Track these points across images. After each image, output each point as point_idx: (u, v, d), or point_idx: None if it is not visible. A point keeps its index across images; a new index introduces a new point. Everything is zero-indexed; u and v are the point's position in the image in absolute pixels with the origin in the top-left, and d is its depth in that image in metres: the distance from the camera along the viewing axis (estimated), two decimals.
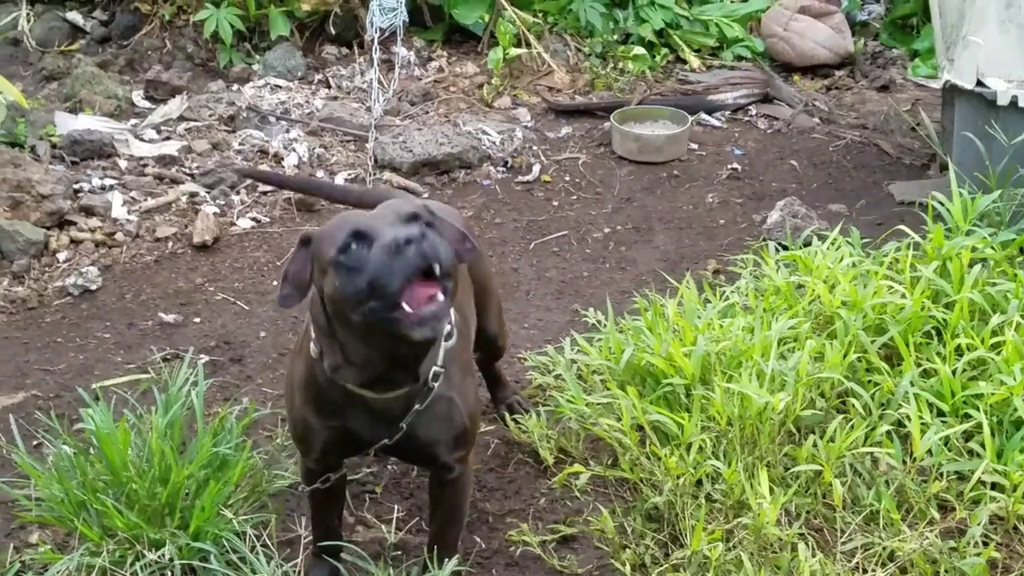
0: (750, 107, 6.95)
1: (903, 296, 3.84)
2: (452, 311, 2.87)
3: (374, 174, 5.95)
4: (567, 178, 6.09)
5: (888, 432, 3.42)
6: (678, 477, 3.33)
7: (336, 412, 2.82)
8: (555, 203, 5.84)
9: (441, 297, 2.46)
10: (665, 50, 7.44)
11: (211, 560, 3.04)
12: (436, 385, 2.76)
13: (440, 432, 2.87)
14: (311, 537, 3.25)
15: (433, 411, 2.81)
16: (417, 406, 2.76)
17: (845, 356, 3.63)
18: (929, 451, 3.32)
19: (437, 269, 2.44)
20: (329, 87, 7.08)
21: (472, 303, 3.35)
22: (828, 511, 3.33)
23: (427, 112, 6.74)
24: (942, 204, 4.33)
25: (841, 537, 3.23)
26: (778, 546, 3.16)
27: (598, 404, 3.67)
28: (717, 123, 6.78)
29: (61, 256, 5.14)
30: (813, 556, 3.11)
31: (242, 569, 3.01)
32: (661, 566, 3.19)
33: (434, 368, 2.75)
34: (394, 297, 2.43)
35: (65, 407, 4.02)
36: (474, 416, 2.96)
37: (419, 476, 3.68)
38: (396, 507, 3.54)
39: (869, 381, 3.65)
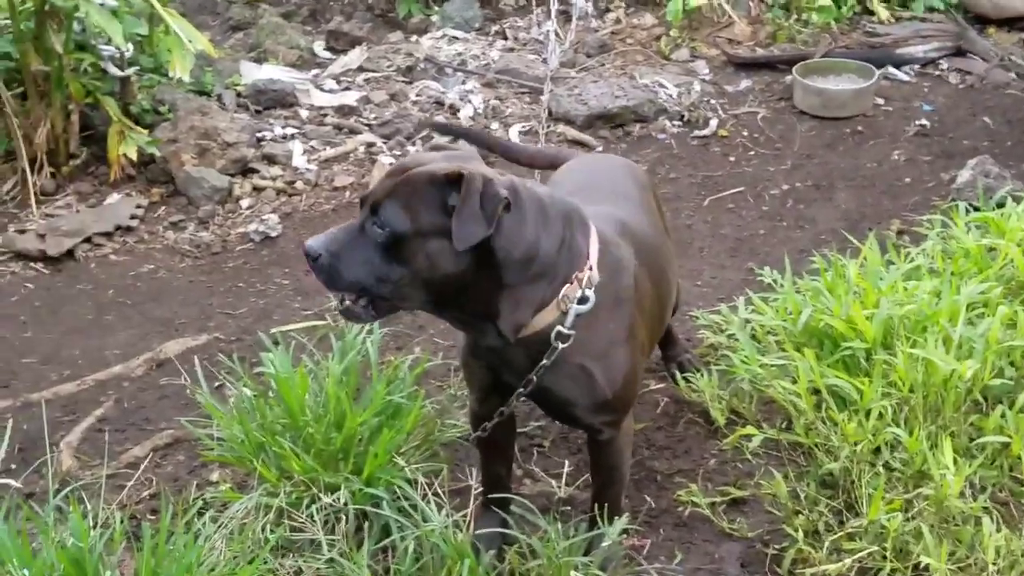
0: (941, 61, 6.66)
1: None
2: (624, 277, 2.84)
3: (548, 126, 5.92)
4: (745, 133, 5.96)
5: None
6: (855, 444, 3.23)
7: (479, 352, 2.85)
8: (732, 158, 5.72)
9: (347, 302, 2.66)
10: (852, 1, 7.18)
11: (383, 506, 3.07)
12: (560, 346, 2.71)
13: (575, 394, 2.83)
14: (481, 488, 3.26)
15: (564, 372, 2.77)
16: (545, 362, 2.73)
17: None
18: None
19: (330, 287, 2.64)
20: (506, 38, 7.07)
21: (674, 266, 3.34)
22: (1015, 485, 3.21)
23: (603, 64, 6.68)
24: None
25: None
26: (961, 519, 3.05)
27: (773, 366, 3.58)
28: (905, 77, 6.52)
29: (244, 203, 5.29)
30: (998, 531, 2.99)
31: (413, 516, 3.03)
32: (835, 534, 3.10)
33: (559, 328, 2.69)
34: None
35: (246, 350, 4.12)
36: (623, 386, 2.86)
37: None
38: (565, 462, 3.53)
39: None
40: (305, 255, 2.59)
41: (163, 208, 5.31)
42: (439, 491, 3.14)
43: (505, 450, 3.18)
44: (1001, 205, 4.32)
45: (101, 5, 4.77)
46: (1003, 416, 3.25)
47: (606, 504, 3.07)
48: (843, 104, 6.07)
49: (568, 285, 2.69)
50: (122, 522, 3.01)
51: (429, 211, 2.53)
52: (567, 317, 2.70)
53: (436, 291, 2.59)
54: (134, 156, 5.22)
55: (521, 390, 2.80)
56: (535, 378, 2.76)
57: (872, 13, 7.18)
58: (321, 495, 3.10)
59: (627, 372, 2.86)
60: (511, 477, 3.28)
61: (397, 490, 3.12)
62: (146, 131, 5.33)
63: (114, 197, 5.31)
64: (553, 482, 3.45)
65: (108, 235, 5.07)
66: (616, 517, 3.01)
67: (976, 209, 4.44)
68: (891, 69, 6.55)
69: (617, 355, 2.84)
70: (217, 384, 3.82)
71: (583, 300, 2.72)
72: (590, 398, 2.83)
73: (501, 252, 2.56)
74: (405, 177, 2.56)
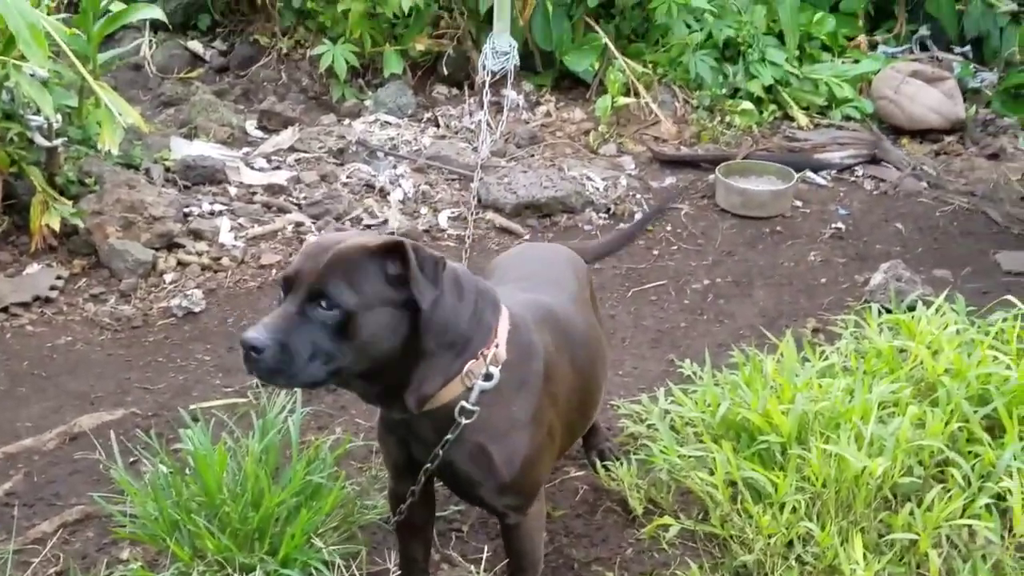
0: (857, 168, 6.86)
1: (1008, 367, 3.74)
2: (536, 360, 2.87)
3: (477, 213, 5.99)
4: (669, 228, 6.07)
5: (987, 505, 3.32)
6: (770, 536, 3.27)
7: (391, 425, 2.87)
8: (655, 252, 5.82)
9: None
10: (773, 106, 7.40)
11: None
12: (464, 421, 2.73)
13: (476, 474, 2.84)
14: (398, 571, 3.25)
15: (466, 449, 2.79)
16: (449, 436, 2.75)
17: (946, 424, 3.53)
18: None
19: (267, 380, 2.58)
20: (438, 126, 7.16)
21: (604, 362, 3.38)
22: None
23: (533, 155, 6.78)
24: None
25: None
26: None
27: (691, 456, 3.62)
28: (823, 182, 6.71)
29: (168, 277, 5.25)
30: None
31: None
32: None
33: (462, 404, 2.73)
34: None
35: (163, 426, 4.08)
36: (522, 470, 2.85)
37: None
38: (484, 547, 3.52)
39: (970, 452, 3.54)
40: (248, 349, 2.48)
41: (84, 280, 5.25)
42: (356, 574, 3.12)
43: (422, 533, 3.18)
44: (912, 308, 4.43)
45: (32, 76, 4.76)
46: (911, 514, 3.29)
47: None
48: (763, 204, 6.22)
49: (474, 360, 2.72)
50: None
51: (371, 284, 2.54)
52: (471, 393, 2.73)
53: (373, 364, 2.59)
54: (57, 227, 5.17)
55: (428, 465, 2.80)
56: (440, 452, 2.77)
57: (792, 119, 7.40)
58: (235, 575, 3.06)
59: (527, 456, 2.86)
60: (428, 561, 3.27)
61: (313, 572, 3.11)
62: (71, 202, 5.29)
63: (34, 267, 5.24)
64: (472, 568, 3.43)
65: (26, 305, 5.00)
66: None
67: (888, 311, 4.55)
68: (809, 173, 6.73)
69: (517, 438, 2.84)
70: (132, 460, 3.76)
71: (488, 377, 2.75)
72: (491, 479, 2.84)
73: (426, 316, 2.59)
74: (338, 254, 2.54)
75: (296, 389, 3.57)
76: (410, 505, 2.97)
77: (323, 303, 2.50)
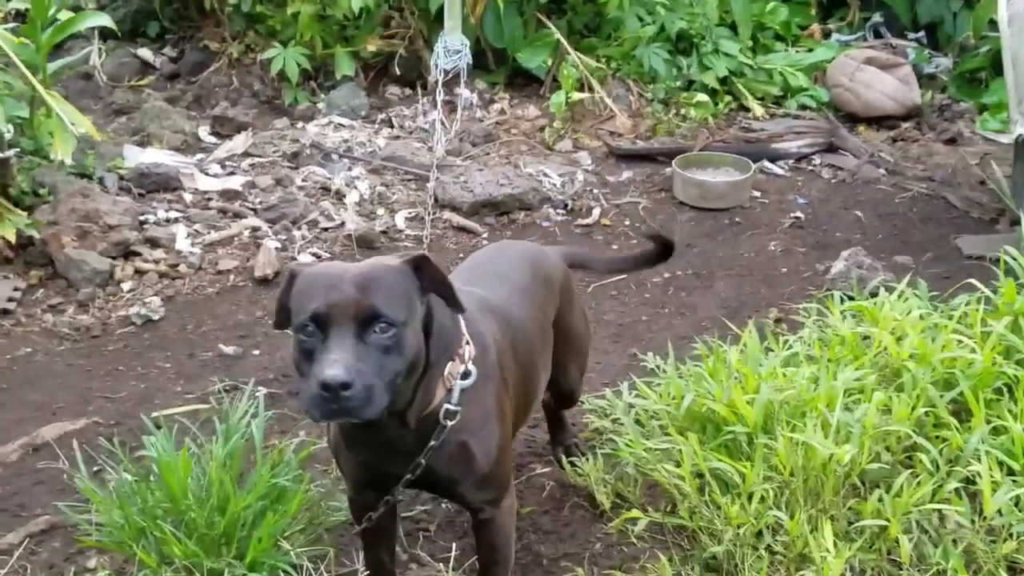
0: (814, 156, 6.91)
1: (973, 351, 3.76)
2: (492, 353, 2.88)
3: (434, 213, 5.97)
4: (627, 222, 6.07)
5: (956, 489, 3.32)
6: (739, 527, 3.27)
7: (355, 443, 2.82)
8: (615, 247, 5.83)
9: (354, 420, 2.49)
10: (728, 97, 7.44)
11: None
12: (449, 424, 2.73)
13: (458, 472, 2.84)
14: (366, 573, 3.22)
15: (447, 451, 2.79)
16: (433, 443, 2.74)
17: (913, 410, 3.53)
18: (999, 511, 3.22)
19: (357, 415, 2.44)
20: (392, 127, 7.14)
21: (547, 353, 3.35)
22: (894, 568, 3.24)
23: (488, 153, 6.78)
24: (1015, 259, 4.24)
25: None
26: None
27: (657, 449, 3.61)
28: (780, 171, 6.74)
29: (125, 286, 5.20)
30: None
31: None
32: None
33: (446, 406, 2.72)
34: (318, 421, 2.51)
35: (126, 434, 4.03)
36: (498, 460, 2.88)
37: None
38: (453, 546, 3.50)
39: (937, 436, 3.54)
40: (327, 387, 2.38)
41: (41, 291, 5.18)
42: (324, 575, 3.09)
43: (387, 534, 3.15)
44: (874, 295, 4.43)
45: None
46: (880, 500, 3.29)
47: None
48: (721, 195, 6.24)
49: (451, 362, 2.72)
50: None
51: (408, 299, 2.55)
52: (452, 394, 2.73)
53: (412, 377, 2.59)
54: (12, 238, 5.10)
55: (409, 476, 2.78)
56: (424, 462, 2.75)
57: (748, 109, 7.43)
58: None
59: (501, 445, 2.88)
60: (395, 562, 3.25)
61: (281, 575, 3.07)
62: (25, 213, 5.22)
63: None
64: (440, 566, 3.42)
65: None
66: None
67: (851, 298, 4.56)
68: (767, 163, 6.77)
69: (491, 429, 2.86)
70: (96, 469, 3.72)
71: (466, 375, 2.75)
72: (471, 475, 2.84)
73: (435, 326, 2.65)
74: (376, 278, 2.51)
75: (258, 395, 3.53)
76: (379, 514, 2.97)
77: (379, 326, 2.47)
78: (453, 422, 2.73)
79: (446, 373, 2.71)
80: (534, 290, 3.33)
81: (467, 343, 2.77)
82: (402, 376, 2.52)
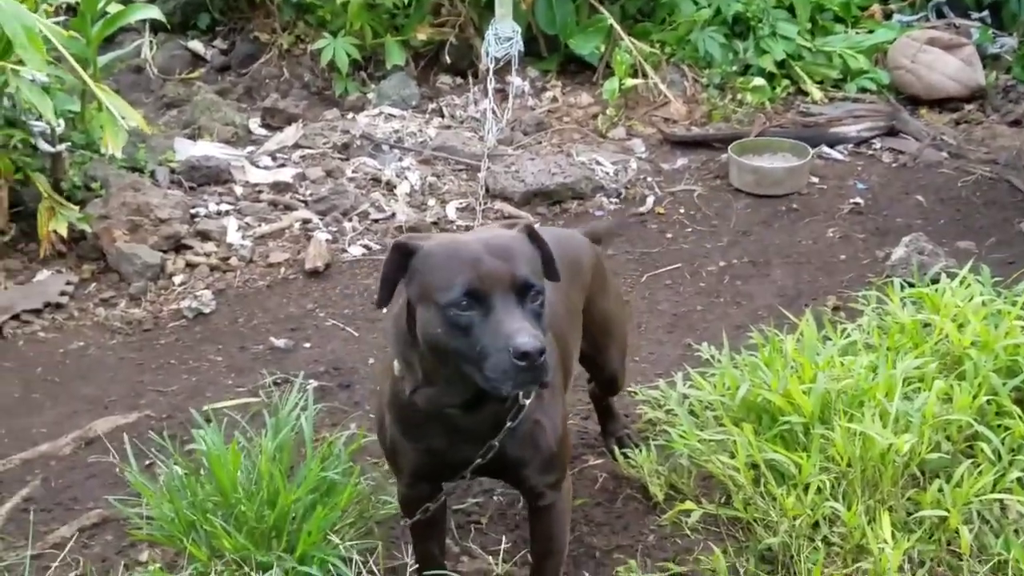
0: (874, 140, 6.77)
1: None
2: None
3: (485, 203, 5.93)
4: (682, 210, 6.00)
5: (1019, 479, 3.26)
6: (795, 518, 3.21)
7: (421, 433, 2.76)
8: (669, 235, 5.75)
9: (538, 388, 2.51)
10: (786, 81, 7.31)
11: None
12: (527, 402, 2.69)
13: (527, 453, 2.80)
14: (416, 566, 3.20)
15: (521, 431, 2.74)
16: (509, 423, 2.69)
17: (974, 398, 3.47)
18: None
19: (548, 381, 2.45)
20: (442, 116, 7.10)
21: (577, 327, 3.29)
22: (954, 559, 3.19)
23: (540, 142, 6.72)
24: None
25: None
26: None
27: (711, 440, 3.56)
28: (839, 156, 6.62)
29: (177, 279, 5.22)
30: None
31: None
32: None
33: None
34: (508, 394, 2.48)
35: (177, 428, 4.04)
36: (562, 441, 2.87)
37: (525, 507, 3.60)
38: (502, 538, 3.48)
39: (999, 425, 3.48)
40: (526, 356, 2.35)
41: (94, 285, 5.21)
42: (374, 569, 3.08)
43: (438, 527, 3.13)
44: (935, 281, 4.36)
45: (32, 81, 4.70)
46: (940, 490, 3.24)
47: None
48: (778, 182, 6.14)
49: None
50: None
51: (539, 267, 2.59)
52: None
53: None
54: (64, 232, 5.14)
55: (480, 460, 2.74)
56: (497, 444, 2.71)
57: (806, 94, 7.30)
58: (253, 574, 3.02)
59: (564, 424, 2.87)
60: (446, 554, 3.22)
61: (331, 568, 3.06)
62: (77, 207, 5.25)
63: (44, 274, 5.21)
64: (490, 559, 3.39)
65: (37, 312, 4.96)
66: None
67: (911, 285, 4.47)
68: (825, 148, 6.65)
69: (557, 406, 2.85)
70: (148, 462, 3.73)
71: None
72: (539, 455, 2.80)
73: None
74: (514, 247, 2.52)
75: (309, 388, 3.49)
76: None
77: (532, 293, 2.47)
78: (530, 400, 2.69)
79: None
80: (561, 274, 3.27)
81: None
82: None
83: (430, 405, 2.63)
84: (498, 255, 2.47)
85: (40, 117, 4.96)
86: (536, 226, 2.74)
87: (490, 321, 2.40)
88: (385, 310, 2.73)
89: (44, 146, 5.22)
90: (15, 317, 4.91)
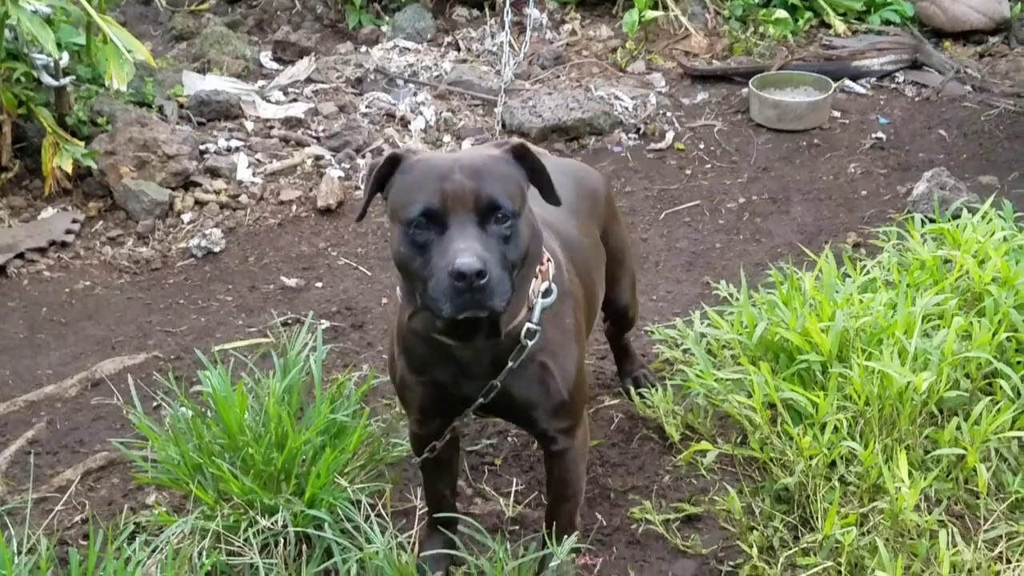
0: (897, 74, 6.64)
1: None
2: (564, 270, 2.79)
3: (502, 139, 5.83)
4: (701, 146, 5.89)
5: None
6: (811, 458, 3.17)
7: (426, 365, 2.72)
8: (688, 172, 5.66)
9: (483, 313, 2.40)
10: (809, 14, 7.16)
11: (325, 528, 2.96)
12: (530, 344, 2.62)
13: (535, 396, 2.73)
14: (426, 508, 3.15)
15: (526, 373, 2.68)
16: (511, 364, 2.63)
17: (994, 335, 3.42)
18: None
19: (490, 305, 2.37)
20: (458, 50, 6.98)
21: (601, 270, 3.23)
22: (971, 497, 3.16)
23: (558, 76, 6.61)
24: None
25: (984, 525, 3.05)
26: (916, 533, 3.00)
27: (728, 380, 3.51)
28: (862, 90, 6.50)
29: (185, 217, 5.15)
30: (954, 544, 2.94)
31: (356, 538, 2.93)
32: (790, 549, 3.05)
33: (528, 325, 2.62)
34: (448, 316, 2.39)
35: (185, 369, 4.00)
36: (576, 387, 2.79)
37: (539, 449, 3.55)
38: (515, 480, 3.44)
39: (1019, 362, 3.44)
40: (461, 276, 2.30)
41: (100, 223, 5.15)
42: (383, 512, 3.02)
43: (448, 468, 3.08)
44: (957, 217, 4.28)
45: (34, 12, 4.60)
46: (958, 428, 3.20)
47: (562, 521, 2.97)
48: (799, 117, 6.02)
49: (535, 279, 2.62)
50: (49, 548, 2.88)
51: (520, 188, 2.51)
52: (534, 312, 2.63)
53: (522, 270, 2.52)
54: (70, 169, 5.05)
55: (481, 399, 2.69)
56: (499, 384, 2.65)
57: (829, 26, 7.15)
58: (260, 518, 2.99)
59: (579, 369, 2.80)
60: (456, 496, 3.18)
61: (340, 511, 3.02)
62: (82, 143, 5.16)
63: (49, 212, 5.14)
64: (503, 500, 3.35)
65: (42, 251, 4.91)
66: (566, 536, 2.90)
67: (932, 221, 4.39)
68: (847, 82, 6.53)
69: (570, 351, 2.77)
70: (155, 404, 3.69)
71: (547, 293, 2.66)
72: (548, 399, 2.74)
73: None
74: (488, 167, 2.46)
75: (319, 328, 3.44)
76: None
77: (498, 215, 2.41)
78: (533, 342, 2.62)
79: (530, 291, 2.61)
80: (581, 206, 3.22)
81: (548, 259, 2.67)
82: (518, 268, 2.46)
83: (424, 329, 2.59)
84: (468, 174, 2.42)
85: (43, 50, 4.86)
86: (547, 155, 2.67)
87: (443, 240, 2.36)
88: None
89: (48, 80, 5.13)
90: (20, 256, 4.86)
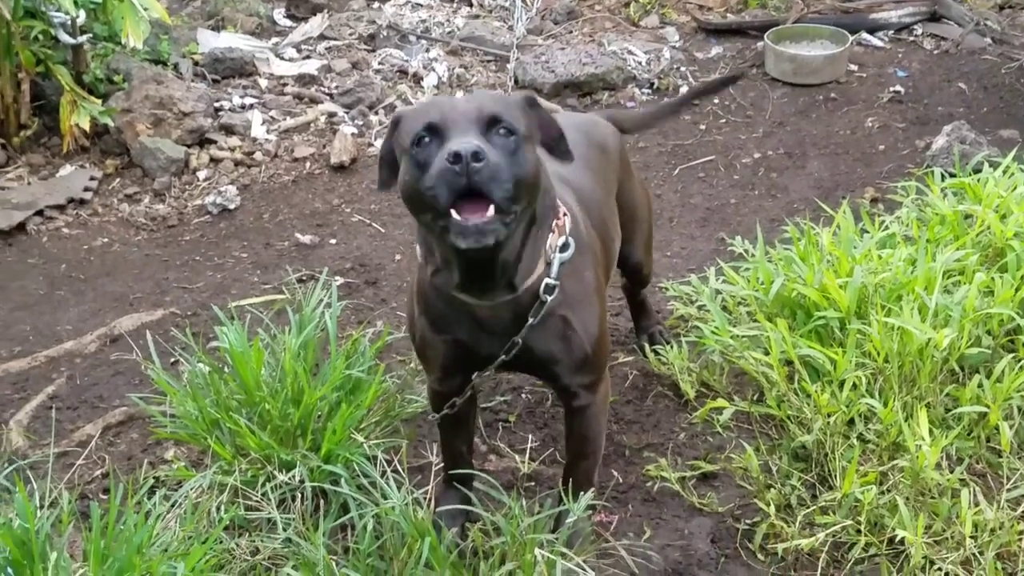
0: (915, 26, 6.56)
1: None
2: (581, 224, 2.76)
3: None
4: (716, 101, 5.84)
5: None
6: (829, 415, 3.15)
7: (446, 323, 2.71)
8: (702, 127, 5.62)
9: (490, 213, 2.34)
10: None
11: (341, 484, 2.97)
12: (549, 299, 2.62)
13: (557, 351, 2.72)
14: (442, 464, 3.16)
15: (547, 328, 2.67)
16: (531, 320, 2.62)
17: (1016, 291, 3.39)
18: None
19: (488, 190, 2.33)
20: (471, 5, 6.94)
21: (615, 215, 3.20)
22: (993, 456, 3.14)
23: (571, 31, 6.56)
24: None
25: (1007, 484, 3.03)
26: (937, 491, 2.97)
27: (744, 336, 3.49)
28: (879, 43, 6.42)
29: (201, 174, 5.15)
30: (976, 503, 2.92)
31: (372, 494, 2.93)
32: (808, 508, 3.03)
33: (546, 280, 2.60)
34: (444, 208, 2.34)
35: (202, 325, 4.00)
36: (599, 341, 2.78)
37: (553, 406, 3.56)
38: (530, 437, 3.43)
39: None
40: (457, 157, 2.28)
41: (117, 180, 5.15)
42: (399, 468, 3.02)
43: (466, 425, 3.08)
44: (977, 171, 4.25)
45: None
46: (980, 386, 3.18)
47: (579, 478, 2.97)
48: (816, 70, 5.97)
49: (551, 234, 2.61)
50: (70, 502, 2.90)
51: (528, 120, 2.49)
52: (552, 268, 2.62)
53: (529, 199, 2.48)
54: (87, 126, 5.06)
55: (504, 357, 2.68)
56: (520, 340, 2.65)
57: None
58: (277, 472, 3.00)
59: (600, 323, 2.78)
60: (473, 452, 3.18)
61: (356, 467, 3.02)
62: (99, 101, 5.16)
63: (67, 169, 5.15)
64: (518, 457, 3.35)
65: (61, 208, 4.92)
66: (583, 493, 2.90)
67: (952, 175, 4.36)
68: (865, 35, 6.46)
69: (591, 304, 2.76)
70: (172, 360, 3.71)
71: (564, 248, 2.65)
72: (570, 353, 2.73)
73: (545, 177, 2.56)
74: (494, 97, 2.58)
75: (334, 284, 3.43)
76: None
77: (502, 129, 2.40)
78: (552, 297, 2.62)
79: (546, 246, 2.60)
80: (593, 160, 3.19)
81: (564, 214, 2.65)
82: (524, 190, 2.41)
83: (444, 286, 2.59)
84: (472, 100, 2.45)
85: (60, 8, 4.85)
86: (559, 111, 2.65)
87: (443, 147, 2.35)
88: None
89: (65, 38, 5.13)
90: (39, 213, 4.87)
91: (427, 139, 2.38)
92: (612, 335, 3.92)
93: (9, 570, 2.59)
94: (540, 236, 2.58)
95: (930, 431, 3.03)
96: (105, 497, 3.18)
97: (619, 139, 3.45)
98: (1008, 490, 3.01)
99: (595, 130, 3.33)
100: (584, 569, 2.75)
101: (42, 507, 2.85)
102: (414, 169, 2.40)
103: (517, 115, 2.46)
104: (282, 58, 6.20)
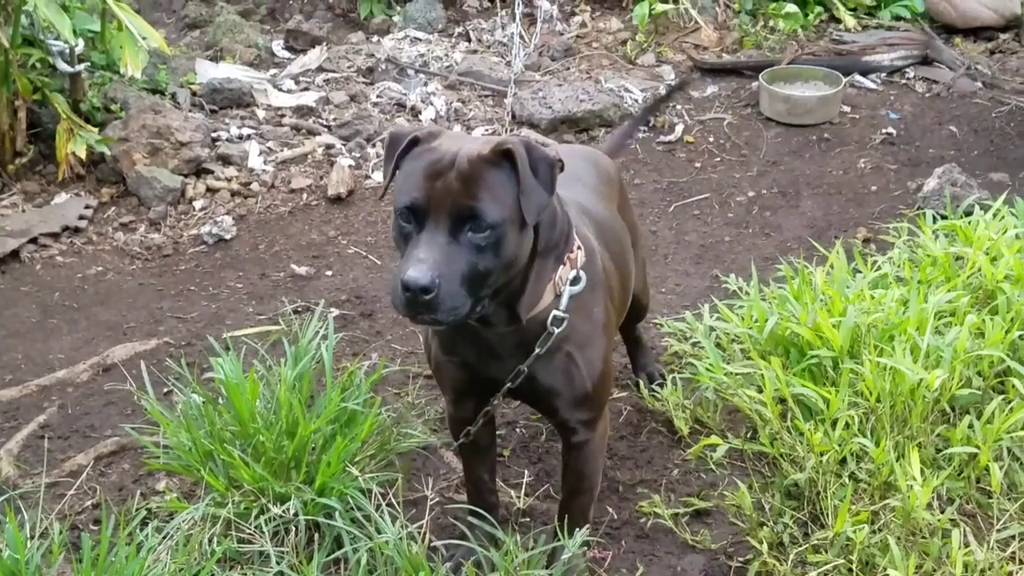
0: (908, 69, 6.63)
1: None
2: (598, 259, 2.77)
3: (512, 130, 5.84)
4: (711, 139, 5.89)
5: None
6: (822, 454, 3.16)
7: (455, 346, 2.73)
8: (697, 164, 5.65)
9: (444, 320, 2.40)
10: (819, 8, 7.16)
11: (335, 517, 2.96)
12: (556, 331, 2.62)
13: (559, 385, 2.73)
14: (436, 499, 3.15)
15: (552, 361, 2.69)
16: (538, 350, 2.63)
17: (1007, 333, 3.41)
18: None
19: (434, 317, 2.37)
20: (469, 40, 6.98)
21: (629, 247, 3.20)
22: (983, 497, 3.15)
23: (568, 68, 6.60)
24: None
25: (996, 525, 3.04)
26: (928, 531, 2.99)
27: (738, 374, 3.50)
28: (872, 85, 6.48)
29: (197, 204, 5.16)
30: (966, 544, 2.93)
31: (366, 527, 2.93)
32: (800, 546, 3.03)
33: (555, 312, 2.61)
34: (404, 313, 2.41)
35: (196, 355, 4.00)
36: (601, 379, 2.78)
37: (548, 440, 3.57)
38: (525, 472, 3.44)
39: None
40: (407, 288, 2.31)
41: (113, 209, 5.15)
42: (394, 501, 3.02)
43: (488, 453, 3.09)
44: (968, 214, 4.28)
45: None
46: (970, 427, 3.19)
47: (575, 515, 2.98)
48: (809, 111, 6.02)
49: (562, 266, 2.61)
50: (61, 532, 2.89)
51: (508, 193, 2.40)
52: (561, 300, 2.62)
53: (511, 278, 2.49)
54: (83, 155, 5.05)
55: (509, 384, 2.69)
56: (525, 369, 2.66)
57: (839, 21, 7.15)
58: (270, 505, 2.99)
59: (605, 361, 2.79)
60: (495, 481, 3.19)
61: (350, 500, 3.02)
62: (96, 129, 5.16)
63: (62, 197, 5.15)
64: (512, 492, 3.35)
65: (55, 236, 4.91)
66: (578, 528, 2.90)
67: (943, 217, 4.38)
68: (858, 77, 6.52)
69: (598, 342, 2.77)
70: (166, 390, 3.70)
71: (575, 281, 2.65)
72: (572, 389, 2.74)
73: (544, 218, 2.51)
74: (473, 168, 2.39)
75: (330, 316, 3.45)
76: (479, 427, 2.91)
77: (475, 224, 2.37)
78: (560, 329, 2.62)
79: (557, 276, 2.60)
80: (604, 191, 3.22)
81: (578, 248, 2.66)
82: (495, 277, 2.42)
83: None
84: (459, 175, 2.37)
85: (59, 36, 4.87)
86: (554, 149, 2.65)
87: (415, 241, 2.38)
88: None
89: (63, 66, 5.14)
90: (33, 241, 4.86)
91: (408, 215, 2.40)
92: None
93: None
94: (546, 267, 2.58)
95: (921, 471, 3.04)
96: (96, 528, 3.16)
97: (617, 167, 3.49)
98: (998, 531, 3.02)
99: (601, 161, 3.38)
100: None
101: (32, 537, 2.83)
102: (399, 235, 2.45)
103: (500, 193, 2.39)
104: (280, 89, 6.23)
